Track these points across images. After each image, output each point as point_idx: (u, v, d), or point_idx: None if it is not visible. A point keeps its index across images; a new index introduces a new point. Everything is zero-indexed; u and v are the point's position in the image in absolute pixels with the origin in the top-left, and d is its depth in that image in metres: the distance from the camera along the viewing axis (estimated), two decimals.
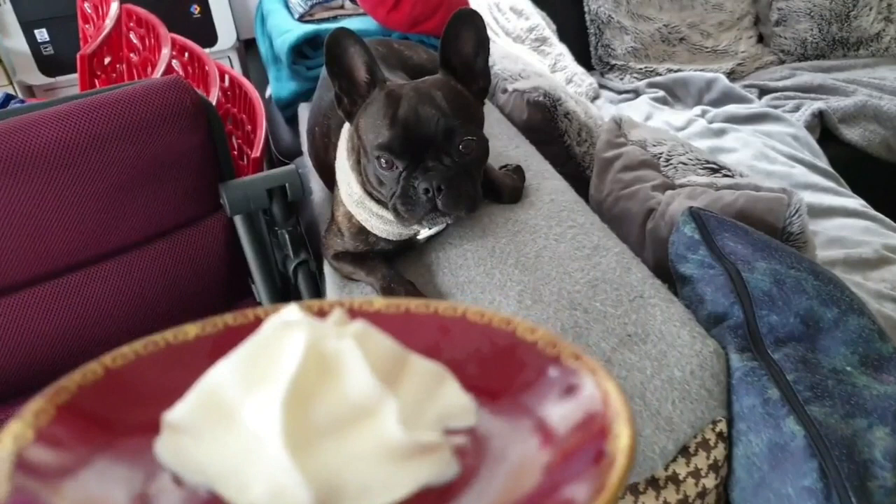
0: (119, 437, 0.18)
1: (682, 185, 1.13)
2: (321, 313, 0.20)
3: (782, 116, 1.85)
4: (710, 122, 1.90)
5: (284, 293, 1.02)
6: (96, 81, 1.02)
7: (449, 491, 0.17)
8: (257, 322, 0.20)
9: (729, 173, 1.13)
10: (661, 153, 1.19)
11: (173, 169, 0.88)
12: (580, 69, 2.03)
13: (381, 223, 0.87)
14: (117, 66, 1.09)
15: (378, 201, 0.86)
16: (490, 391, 0.21)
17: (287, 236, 0.96)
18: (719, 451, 0.73)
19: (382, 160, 0.79)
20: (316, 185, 1.10)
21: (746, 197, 0.99)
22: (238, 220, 0.95)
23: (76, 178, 0.78)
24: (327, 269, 0.94)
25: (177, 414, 0.17)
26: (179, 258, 0.94)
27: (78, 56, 0.98)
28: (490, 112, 1.22)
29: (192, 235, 0.95)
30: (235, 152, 1.36)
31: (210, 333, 0.22)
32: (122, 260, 0.86)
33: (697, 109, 2.01)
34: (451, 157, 0.79)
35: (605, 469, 0.16)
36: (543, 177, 1.10)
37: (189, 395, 0.18)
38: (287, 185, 0.93)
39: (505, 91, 1.40)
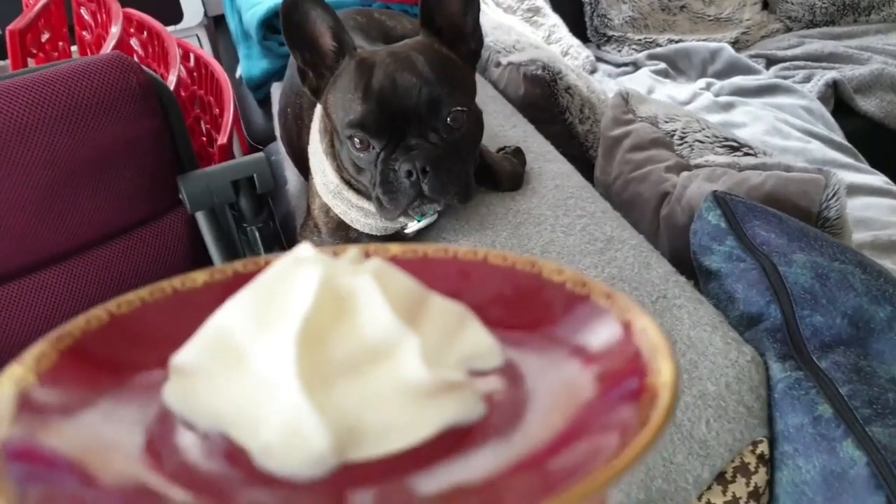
0: (128, 379, 0.18)
1: (699, 166, 1.02)
2: (334, 255, 0.19)
3: (794, 88, 1.74)
4: (717, 95, 1.78)
5: None
6: (31, 61, 0.89)
7: (479, 431, 0.16)
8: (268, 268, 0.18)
9: (751, 151, 1.03)
10: (674, 130, 1.08)
11: (121, 160, 0.76)
12: (576, 41, 1.90)
13: (363, 216, 0.75)
14: (59, 43, 0.96)
15: (357, 191, 0.74)
16: (517, 331, 0.20)
17: (257, 234, 0.84)
18: (760, 477, 0.63)
19: (356, 140, 0.67)
20: (291, 173, 0.98)
21: (776, 178, 0.89)
22: (200, 217, 0.83)
23: (1, 176, 0.66)
24: None
25: (184, 357, 0.17)
26: (134, 263, 0.82)
27: (6, 31, 0.85)
28: (482, 88, 1.10)
29: (148, 236, 0.83)
30: (204, 138, 1.23)
31: (219, 280, 0.20)
32: (64, 267, 0.75)
33: (702, 82, 1.89)
34: (437, 133, 0.67)
35: (647, 404, 0.15)
36: (546, 159, 0.98)
37: (196, 337, 0.17)
38: (255, 175, 0.82)
39: (498, 65, 1.28)
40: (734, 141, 1.04)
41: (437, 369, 0.16)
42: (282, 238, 0.90)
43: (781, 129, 1.52)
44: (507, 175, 0.90)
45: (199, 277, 0.20)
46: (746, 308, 0.74)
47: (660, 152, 1.06)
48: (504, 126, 1.07)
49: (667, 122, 1.09)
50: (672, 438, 0.61)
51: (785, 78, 1.80)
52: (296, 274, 0.17)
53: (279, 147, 1.06)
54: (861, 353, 0.67)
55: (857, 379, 0.64)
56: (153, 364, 0.18)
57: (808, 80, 1.78)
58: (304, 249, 0.18)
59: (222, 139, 1.03)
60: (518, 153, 0.95)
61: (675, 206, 0.98)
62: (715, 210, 0.83)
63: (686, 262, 0.85)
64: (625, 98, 1.16)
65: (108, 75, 0.70)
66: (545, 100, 1.19)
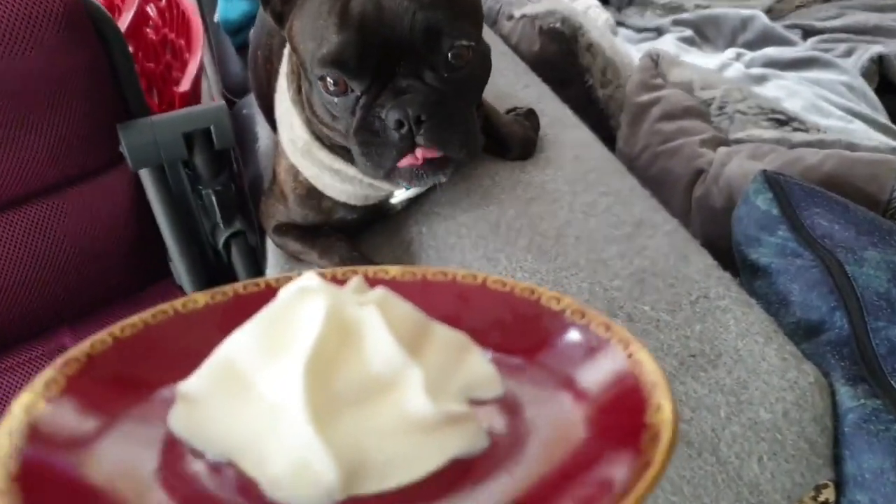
0: (136, 400, 0.18)
1: (739, 141, 0.88)
2: (337, 281, 0.19)
3: (833, 62, 1.57)
4: (748, 66, 1.62)
5: (215, 275, 0.77)
6: None
7: (481, 463, 0.16)
8: (269, 290, 0.19)
9: (802, 126, 0.88)
10: (711, 98, 0.94)
11: (46, 103, 0.62)
12: (594, 1, 1.73)
13: (338, 181, 0.61)
14: None
15: (331, 149, 0.60)
16: (515, 356, 0.20)
17: (214, 198, 0.71)
18: None
19: (329, 80, 0.52)
20: (263, 130, 0.84)
21: (838, 158, 0.75)
22: (146, 176, 0.69)
23: None
24: (270, 244, 0.70)
25: (191, 385, 0.17)
26: (68, 225, 0.68)
27: None
28: (491, 44, 0.95)
29: (85, 195, 0.69)
30: (179, 90, 1.08)
31: (220, 302, 0.21)
32: None
33: (731, 52, 1.73)
34: (435, 72, 0.52)
35: (648, 443, 0.14)
36: (563, 125, 0.84)
37: (204, 366, 0.17)
38: (212, 128, 0.67)
39: (511, 17, 1.13)
40: (782, 113, 0.89)
41: (441, 402, 0.16)
42: (249, 205, 0.76)
43: (821, 106, 1.37)
44: (518, 140, 0.76)
45: (200, 299, 0.21)
46: (804, 314, 0.61)
47: (694, 123, 0.92)
48: (515, 86, 0.92)
49: (703, 88, 0.95)
50: (715, 480, 0.48)
51: (824, 52, 1.64)
52: (302, 304, 0.17)
53: (253, 100, 0.91)
54: None
55: None
56: (159, 384, 0.18)
57: (849, 54, 1.62)
58: (308, 278, 0.19)
59: (184, 86, 0.89)
60: (531, 116, 0.80)
61: (710, 186, 0.84)
62: (765, 193, 0.69)
63: (722, 254, 0.71)
64: (654, 60, 1.01)
65: None
66: (563, 58, 1.04)
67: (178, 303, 0.21)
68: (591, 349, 0.18)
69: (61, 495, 0.14)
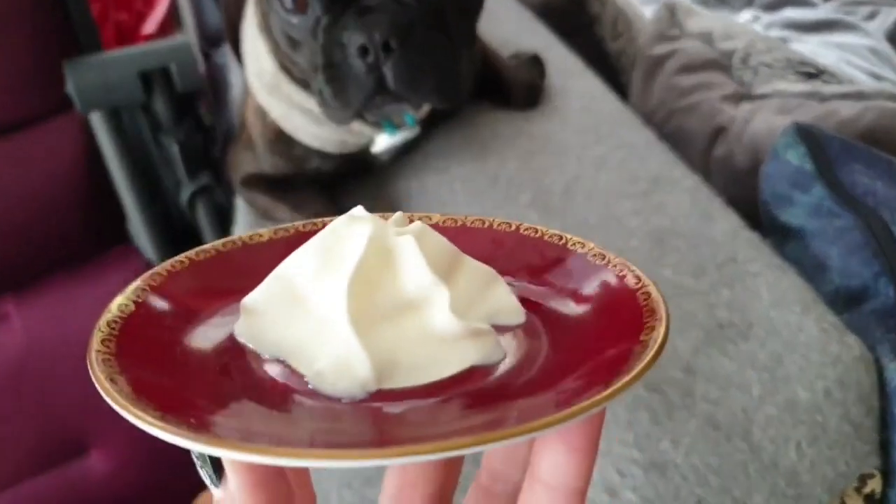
0: (210, 309, 0.20)
1: (764, 96, 0.80)
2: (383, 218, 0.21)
3: (857, 24, 1.48)
4: (767, 29, 1.52)
5: (178, 237, 0.69)
6: None
7: (498, 370, 0.18)
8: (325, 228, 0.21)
9: (832, 80, 0.80)
10: (733, 50, 0.86)
11: None
12: None
13: (310, 122, 0.53)
14: None
15: (302, 83, 0.52)
16: (542, 287, 0.22)
17: (177, 149, 0.63)
18: None
19: None
20: (237, 77, 0.75)
21: (879, 111, 0.67)
22: (97, 122, 0.61)
23: None
24: (239, 201, 0.62)
25: (253, 298, 0.19)
26: (12, 176, 0.60)
27: None
28: None
29: (23, 147, 0.61)
30: (143, 32, 0.99)
31: (281, 237, 0.23)
32: None
33: (748, 14, 1.63)
34: None
35: (637, 353, 0.17)
36: (571, 74, 0.76)
37: (264, 282, 0.19)
38: (172, 66, 0.59)
39: None
40: (812, 66, 0.81)
41: (464, 319, 0.18)
42: (217, 158, 0.68)
43: (845, 71, 1.28)
44: (521, 87, 0.68)
45: (265, 234, 0.23)
46: (844, 281, 0.54)
47: (714, 77, 0.84)
48: (518, 33, 0.84)
49: (724, 39, 0.86)
50: (746, 469, 0.42)
51: (846, 14, 1.55)
52: (349, 231, 0.19)
53: (228, 47, 0.83)
54: None
55: None
56: (228, 298, 0.20)
57: (872, 17, 1.53)
58: (357, 210, 0.20)
59: (149, 28, 0.80)
60: (536, 62, 0.72)
61: (732, 144, 0.77)
62: (797, 147, 0.62)
63: (747, 218, 0.63)
64: (670, 10, 0.92)
65: None
66: (570, 6, 0.96)
67: (244, 236, 0.23)
68: (609, 281, 0.20)
69: (152, 358, 0.18)
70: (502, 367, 0.19)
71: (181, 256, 0.22)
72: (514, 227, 0.23)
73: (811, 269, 0.56)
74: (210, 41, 1.05)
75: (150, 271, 0.21)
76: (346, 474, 0.40)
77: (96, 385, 0.16)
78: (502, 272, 0.21)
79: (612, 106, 0.71)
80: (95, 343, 0.18)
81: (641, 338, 0.17)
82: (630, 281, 0.20)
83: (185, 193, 0.66)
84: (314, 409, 0.17)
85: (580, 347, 0.19)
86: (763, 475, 0.42)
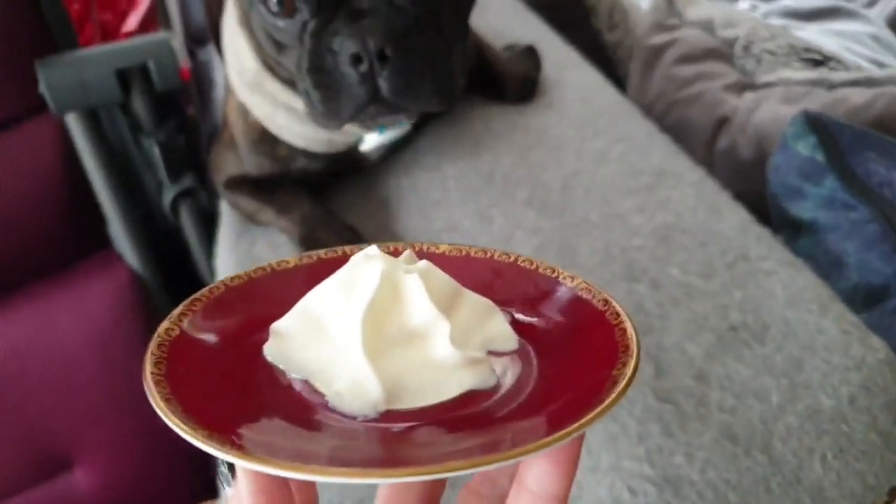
0: (245, 332, 0.23)
1: (769, 85, 0.77)
2: (394, 253, 0.24)
3: (857, 12, 1.45)
4: (765, 17, 1.49)
5: (162, 242, 0.66)
6: None
7: (492, 394, 0.21)
8: (344, 257, 0.24)
9: (837, 66, 0.77)
10: (734, 38, 0.83)
11: None
12: None
13: (295, 121, 0.50)
14: None
15: (288, 82, 0.49)
16: (533, 316, 0.24)
17: (158, 150, 0.59)
18: None
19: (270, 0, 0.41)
20: (221, 76, 0.72)
21: (891, 98, 0.64)
22: (74, 124, 0.58)
23: None
24: (224, 205, 0.59)
25: (282, 325, 0.22)
26: None
27: None
28: None
29: (3, 146, 0.58)
30: (124, 30, 0.96)
31: (306, 263, 0.26)
32: None
33: (745, 3, 1.60)
34: None
35: (609, 388, 0.19)
36: (567, 66, 0.73)
37: (292, 311, 0.22)
38: (150, 64, 0.56)
39: None
40: (818, 52, 0.78)
41: (462, 349, 0.21)
42: (203, 160, 0.65)
43: (846, 59, 1.25)
44: (516, 80, 0.65)
45: (291, 261, 0.26)
46: (863, 277, 0.51)
47: (715, 66, 0.81)
48: (511, 24, 0.80)
49: (726, 27, 0.83)
50: (768, 484, 0.38)
51: (846, 1, 1.52)
52: (364, 268, 0.22)
53: (213, 45, 0.79)
54: None
55: None
56: (261, 322, 0.23)
57: (872, 4, 1.50)
58: (372, 249, 0.23)
59: (130, 25, 0.77)
60: (531, 53, 0.69)
61: (736, 136, 0.73)
62: (807, 137, 0.59)
63: (753, 212, 0.60)
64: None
65: None
66: None
67: (273, 263, 0.26)
68: (591, 316, 0.22)
69: (195, 373, 0.21)
70: (496, 392, 0.21)
71: (217, 283, 0.24)
72: (512, 259, 0.25)
73: (826, 266, 0.53)
74: (195, 39, 1.02)
75: (191, 297, 0.23)
76: (353, 487, 0.38)
77: (154, 405, 0.18)
78: (499, 300, 0.24)
79: (611, 98, 0.68)
80: (149, 366, 0.20)
81: (614, 372, 0.19)
82: (610, 316, 0.22)
83: (167, 197, 0.63)
84: (332, 426, 0.20)
85: (563, 376, 0.21)
86: (786, 491, 0.39)
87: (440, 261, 0.23)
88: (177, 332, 0.22)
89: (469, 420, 0.20)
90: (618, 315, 0.21)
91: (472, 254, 0.26)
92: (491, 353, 0.22)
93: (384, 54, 0.38)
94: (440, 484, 0.23)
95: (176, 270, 0.67)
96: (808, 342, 0.44)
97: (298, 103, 0.49)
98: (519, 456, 0.17)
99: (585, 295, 0.23)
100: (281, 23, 0.42)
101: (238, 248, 0.55)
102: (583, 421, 0.17)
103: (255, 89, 0.50)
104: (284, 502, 0.19)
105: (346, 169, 0.57)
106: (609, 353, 0.20)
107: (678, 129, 0.79)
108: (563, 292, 0.24)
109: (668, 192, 0.55)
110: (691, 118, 0.78)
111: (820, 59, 0.77)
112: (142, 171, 0.64)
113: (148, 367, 0.20)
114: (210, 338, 0.22)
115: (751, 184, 0.67)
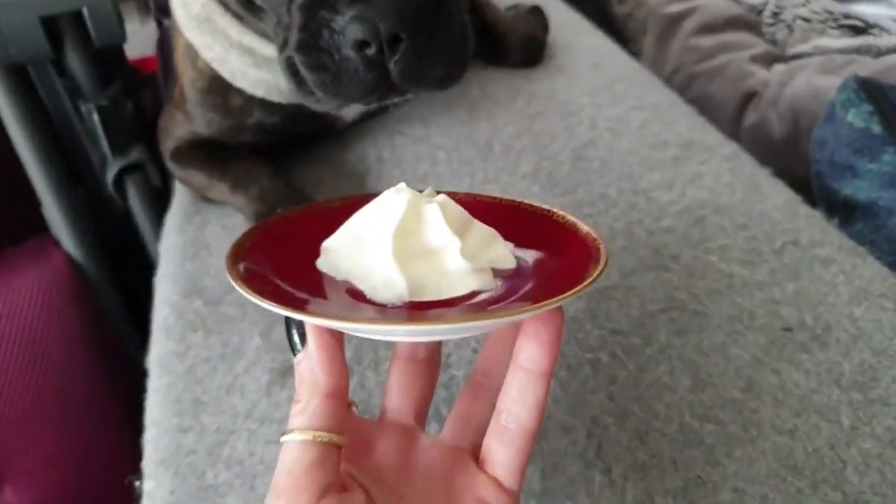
0: (301, 248, 0.28)
1: (801, 56, 0.68)
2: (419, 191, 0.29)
3: None
4: None
5: (107, 227, 0.57)
6: None
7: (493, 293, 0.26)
8: (376, 195, 0.28)
9: (880, 34, 0.69)
10: (762, 4, 0.74)
11: None
12: None
13: (251, 65, 0.42)
14: None
15: (242, 18, 0.40)
16: (531, 245, 0.29)
17: (97, 116, 0.50)
18: None
19: None
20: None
21: None
22: None
23: None
24: (177, 186, 0.50)
25: (331, 242, 0.27)
26: None
27: None
28: None
29: None
30: None
31: (348, 202, 0.30)
32: None
33: None
34: None
35: (578, 283, 0.23)
36: (576, 31, 0.64)
37: (338, 231, 0.27)
38: (85, 11, 0.47)
39: None
40: (859, 19, 0.70)
41: (470, 262, 0.26)
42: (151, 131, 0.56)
43: (890, 26, 1.17)
44: (520, 40, 0.56)
45: (336, 201, 0.32)
46: None
47: (740, 36, 0.72)
48: None
49: None
50: None
51: None
52: (394, 198, 0.27)
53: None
54: None
55: None
56: (315, 240, 0.28)
57: None
58: (401, 185, 0.28)
59: None
60: (537, 13, 0.60)
61: (766, 111, 0.65)
62: (860, 105, 0.50)
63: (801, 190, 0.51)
64: None
65: None
66: None
67: (322, 203, 0.33)
68: (577, 241, 0.27)
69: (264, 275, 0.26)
70: (494, 292, 0.26)
71: (277, 216, 0.31)
72: (516, 203, 0.31)
73: (891, 254, 0.44)
74: (162, 9, 0.93)
75: (260, 221, 0.32)
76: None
77: (242, 293, 0.24)
78: (503, 232, 0.28)
79: (626, 64, 0.59)
80: (229, 266, 0.26)
81: (584, 277, 0.24)
82: (590, 241, 0.27)
83: (110, 172, 0.54)
84: (369, 308, 0.25)
85: (549, 280, 0.26)
86: None
87: (456, 201, 0.28)
88: (247, 246, 0.28)
89: (471, 306, 0.25)
90: (595, 239, 0.27)
91: (480, 199, 0.31)
92: (494, 270, 0.27)
93: (398, 36, 0.31)
94: (437, 346, 0.29)
95: (127, 256, 0.58)
96: (883, 346, 0.35)
97: (255, 42, 0.41)
98: (505, 318, 0.22)
99: (571, 227, 0.28)
100: None
101: (185, 232, 0.46)
102: (555, 299, 0.22)
103: (203, 28, 0.42)
104: (339, 355, 0.25)
105: (314, 130, 0.48)
106: (585, 263, 0.25)
107: (700, 104, 0.70)
108: (554, 226, 0.29)
109: (698, 167, 0.46)
110: (714, 93, 0.70)
111: (862, 26, 0.69)
112: (85, 144, 0.55)
113: (229, 266, 0.26)
114: (275, 251, 0.28)
115: (784, 162, 0.58)
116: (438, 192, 0.28)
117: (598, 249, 0.26)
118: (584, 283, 0.23)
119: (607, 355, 0.35)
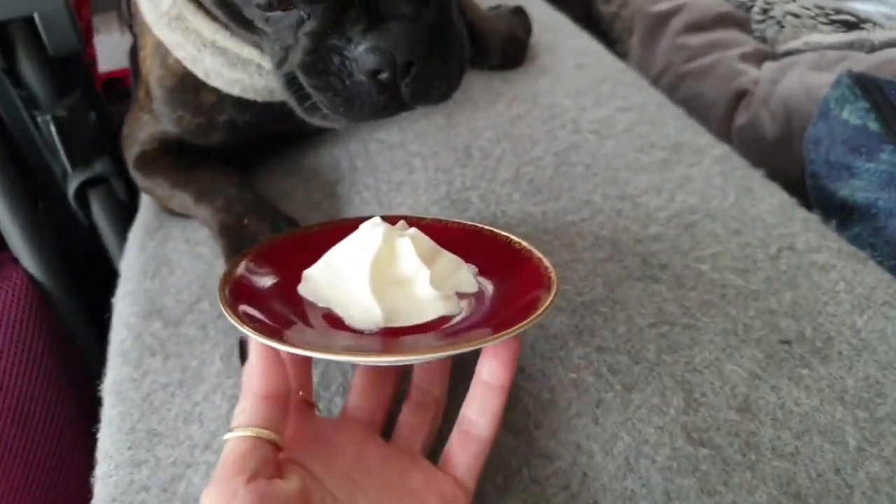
0: (283, 277, 0.32)
1: (792, 52, 0.66)
2: (391, 221, 0.33)
3: None
4: None
5: (70, 245, 0.54)
6: None
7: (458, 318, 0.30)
8: (356, 223, 0.33)
9: (873, 29, 0.67)
10: (751, 1, 0.72)
11: None
12: None
13: (225, 65, 0.39)
14: None
15: (214, 17, 0.38)
16: (488, 272, 0.33)
17: (53, 127, 0.48)
18: None
19: None
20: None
21: None
22: None
23: None
24: (144, 199, 0.47)
25: (312, 271, 0.31)
26: None
27: None
28: None
29: None
30: None
31: (326, 228, 0.36)
32: None
33: None
34: None
35: (537, 316, 0.27)
36: (560, 32, 0.62)
37: (318, 262, 0.31)
38: (37, 18, 0.44)
39: None
40: (850, 14, 0.68)
41: (437, 289, 0.30)
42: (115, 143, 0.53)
43: (882, 22, 1.15)
44: (500, 40, 0.54)
45: (314, 227, 0.37)
46: None
47: (729, 34, 0.70)
48: None
49: None
50: None
51: None
52: (370, 232, 0.31)
53: None
54: None
55: None
56: (296, 269, 0.32)
57: None
58: (376, 219, 0.32)
59: None
60: (520, 14, 0.58)
61: (758, 110, 0.63)
62: (855, 102, 0.48)
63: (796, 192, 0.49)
64: None
65: None
66: None
67: (300, 229, 0.37)
68: (529, 267, 0.31)
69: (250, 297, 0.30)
70: (459, 317, 0.30)
71: (264, 243, 0.35)
72: (477, 230, 0.35)
73: (891, 258, 0.42)
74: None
75: (239, 256, 0.33)
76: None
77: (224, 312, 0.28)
78: (467, 257, 0.33)
79: (612, 65, 0.57)
80: (220, 291, 0.30)
81: (538, 305, 0.27)
82: (542, 269, 0.31)
83: (71, 185, 0.51)
84: (347, 334, 0.29)
85: (506, 305, 0.30)
86: None
87: (425, 228, 0.33)
88: (232, 278, 0.31)
89: (438, 333, 0.29)
90: (547, 268, 0.30)
91: (449, 225, 0.35)
92: (458, 293, 0.31)
93: (411, 64, 0.32)
94: (400, 369, 0.32)
95: (93, 274, 0.56)
96: (889, 359, 0.33)
97: (229, 42, 0.39)
98: (468, 348, 0.26)
99: (527, 254, 0.32)
100: (269, 14, 0.33)
101: (147, 248, 0.43)
102: (510, 329, 0.26)
103: (173, 25, 0.39)
104: (277, 363, 0.27)
105: (286, 128, 0.45)
106: (538, 290, 0.29)
107: (689, 104, 0.68)
108: (511, 252, 0.33)
109: (687, 171, 0.44)
110: (704, 92, 0.68)
111: (854, 21, 0.67)
112: (46, 156, 0.52)
113: (220, 291, 0.29)
114: (260, 277, 0.32)
115: (776, 163, 0.56)
116: (407, 217, 0.34)
117: (550, 278, 0.29)
118: (537, 313, 0.27)
119: (592, 375, 0.32)
